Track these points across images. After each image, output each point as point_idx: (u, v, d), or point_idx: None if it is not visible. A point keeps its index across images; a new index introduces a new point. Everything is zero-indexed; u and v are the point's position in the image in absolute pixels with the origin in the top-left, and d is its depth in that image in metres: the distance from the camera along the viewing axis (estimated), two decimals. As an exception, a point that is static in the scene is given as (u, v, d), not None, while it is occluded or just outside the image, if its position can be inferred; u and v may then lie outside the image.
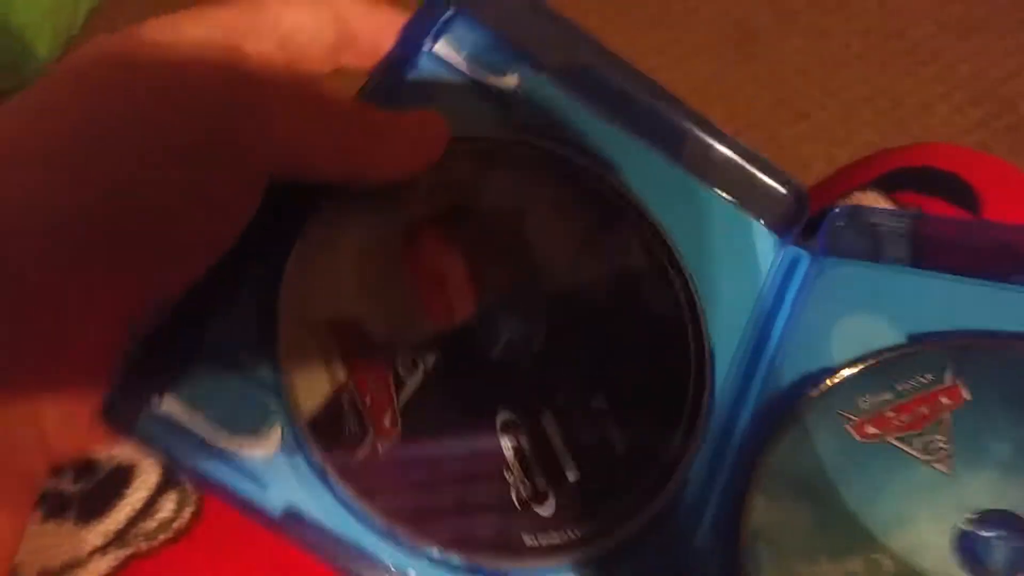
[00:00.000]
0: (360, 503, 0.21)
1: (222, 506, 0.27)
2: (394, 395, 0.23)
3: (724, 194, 0.27)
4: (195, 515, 0.27)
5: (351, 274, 0.23)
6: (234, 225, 0.21)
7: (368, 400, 0.22)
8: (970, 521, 0.22)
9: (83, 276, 0.20)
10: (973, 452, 0.23)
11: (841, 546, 0.23)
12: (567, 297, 0.25)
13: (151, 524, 0.26)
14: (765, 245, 0.27)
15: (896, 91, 0.98)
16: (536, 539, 0.23)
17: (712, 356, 0.26)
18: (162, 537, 0.26)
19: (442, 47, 0.25)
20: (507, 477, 0.23)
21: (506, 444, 0.23)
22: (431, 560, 0.22)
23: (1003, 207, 0.33)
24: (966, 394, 0.23)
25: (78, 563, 0.26)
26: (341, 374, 0.22)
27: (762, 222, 0.27)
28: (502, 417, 0.24)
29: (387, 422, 0.23)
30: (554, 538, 0.23)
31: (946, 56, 0.99)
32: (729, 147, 0.27)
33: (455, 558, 0.22)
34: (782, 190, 0.27)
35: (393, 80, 0.25)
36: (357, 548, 0.22)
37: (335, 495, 0.22)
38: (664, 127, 0.27)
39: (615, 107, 0.26)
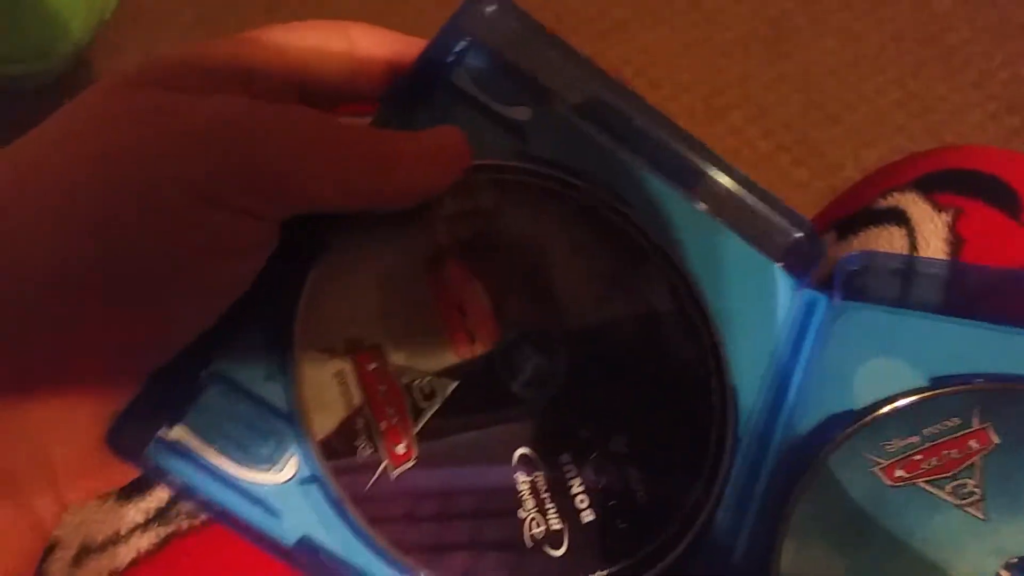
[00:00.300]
0: (370, 532, 0.21)
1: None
2: (410, 422, 0.22)
3: (740, 234, 0.27)
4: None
5: (371, 298, 0.23)
6: (252, 265, 0.21)
7: (383, 426, 0.22)
8: (1009, 568, 0.22)
9: (93, 310, 0.19)
10: (1007, 496, 0.22)
11: None
12: (589, 335, 0.25)
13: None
14: (782, 287, 0.27)
15: (929, 96, 0.97)
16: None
17: (736, 401, 0.25)
18: (204, 516, 0.27)
19: (458, 76, 0.25)
20: (520, 515, 0.23)
21: (521, 481, 0.23)
22: None
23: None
24: (995, 438, 0.23)
25: (119, 539, 0.26)
26: (357, 398, 0.22)
27: (779, 264, 0.27)
28: (518, 453, 0.23)
29: (401, 449, 0.22)
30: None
31: (981, 62, 0.98)
32: (745, 187, 0.26)
33: None
34: (797, 232, 0.27)
35: (407, 109, 0.24)
36: None
37: (347, 522, 0.21)
38: (679, 165, 0.26)
39: (632, 144, 0.26)
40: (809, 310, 0.27)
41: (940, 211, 0.32)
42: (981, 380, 0.24)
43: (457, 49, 0.24)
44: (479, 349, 0.24)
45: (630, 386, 0.25)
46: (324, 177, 0.21)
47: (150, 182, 0.19)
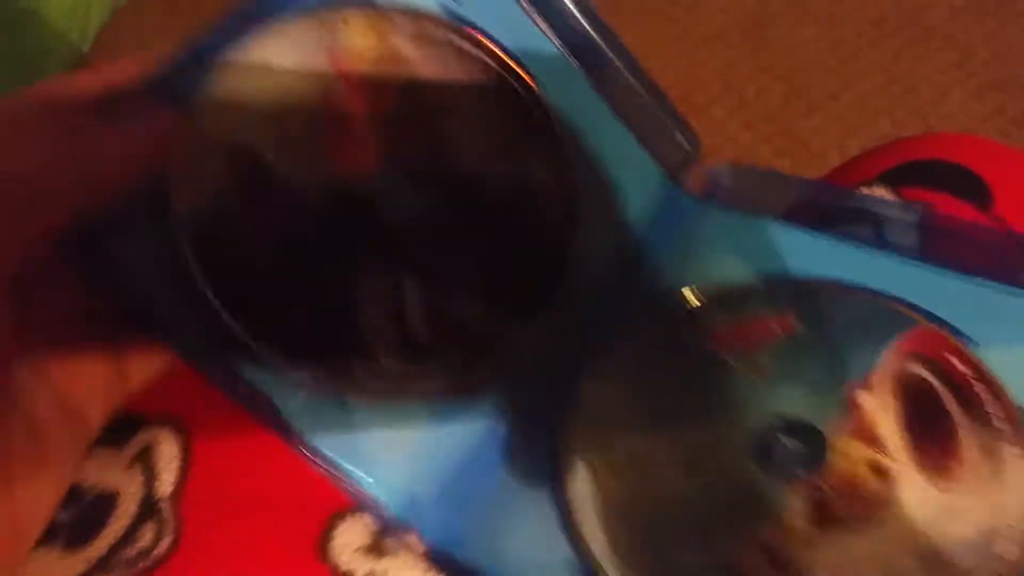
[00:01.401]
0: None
1: (201, 535, 0.26)
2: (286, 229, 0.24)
3: (627, 127, 0.28)
4: (173, 544, 0.26)
5: (266, 108, 0.24)
6: None
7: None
8: (771, 422, 0.25)
9: None
10: (790, 371, 0.26)
11: (654, 426, 0.26)
12: (463, 183, 0.26)
13: (131, 552, 0.26)
14: (655, 183, 0.29)
15: (911, 79, 0.96)
16: (373, 377, 0.24)
17: (579, 265, 0.27)
18: (141, 565, 0.26)
19: None
20: (363, 319, 0.24)
21: (364, 296, 0.24)
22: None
23: (1015, 198, 0.32)
24: (797, 326, 0.26)
25: None
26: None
27: (656, 161, 0.28)
28: (371, 266, 0.25)
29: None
30: (387, 385, 0.25)
31: (962, 41, 0.97)
32: (641, 84, 0.28)
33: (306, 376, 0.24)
34: (680, 137, 0.28)
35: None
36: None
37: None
38: (589, 50, 0.28)
39: (547, 19, 0.27)
40: (675, 206, 0.29)
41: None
42: (802, 280, 0.27)
43: None
44: (358, 169, 0.25)
45: (488, 233, 0.27)
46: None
47: None
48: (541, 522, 0.26)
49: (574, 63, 0.28)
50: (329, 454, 0.24)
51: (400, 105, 0.26)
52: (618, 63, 0.28)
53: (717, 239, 0.28)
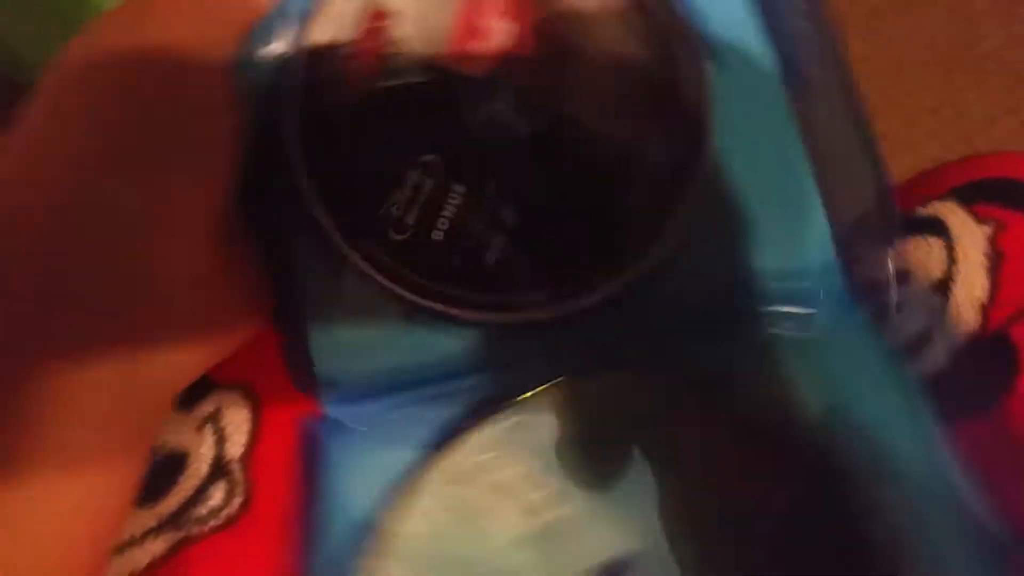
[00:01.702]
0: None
1: (271, 498, 0.27)
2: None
3: (810, 156, 0.24)
4: (244, 505, 0.27)
5: None
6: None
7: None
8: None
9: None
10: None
11: (585, 473, 0.24)
12: (576, 120, 0.24)
13: (202, 511, 0.26)
14: (816, 237, 0.24)
15: (961, 102, 0.95)
16: (379, 252, 0.24)
17: (652, 271, 0.23)
18: (212, 523, 0.26)
19: None
20: (392, 198, 0.24)
21: (412, 176, 0.24)
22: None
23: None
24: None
25: (135, 542, 0.26)
26: None
27: (828, 215, 0.24)
28: (429, 157, 0.24)
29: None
30: (384, 262, 0.23)
31: (1015, 67, 0.96)
32: (853, 113, 0.24)
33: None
34: (867, 201, 0.24)
35: None
36: None
37: None
38: (799, 56, 0.24)
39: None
40: (817, 275, 0.24)
41: (980, 223, 0.31)
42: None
43: None
44: (464, 67, 0.24)
45: (574, 188, 0.24)
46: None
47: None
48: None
49: (777, 63, 0.24)
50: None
51: (543, 29, 0.24)
52: (834, 80, 0.24)
53: (840, 353, 0.24)
